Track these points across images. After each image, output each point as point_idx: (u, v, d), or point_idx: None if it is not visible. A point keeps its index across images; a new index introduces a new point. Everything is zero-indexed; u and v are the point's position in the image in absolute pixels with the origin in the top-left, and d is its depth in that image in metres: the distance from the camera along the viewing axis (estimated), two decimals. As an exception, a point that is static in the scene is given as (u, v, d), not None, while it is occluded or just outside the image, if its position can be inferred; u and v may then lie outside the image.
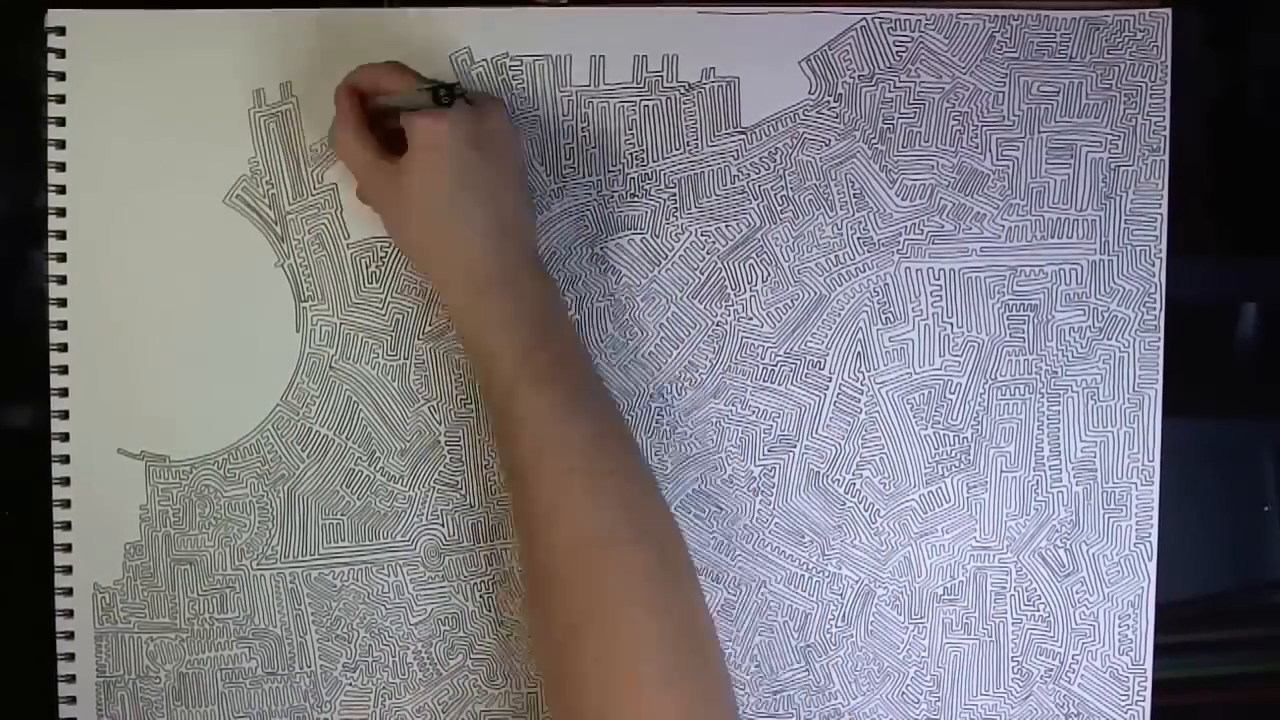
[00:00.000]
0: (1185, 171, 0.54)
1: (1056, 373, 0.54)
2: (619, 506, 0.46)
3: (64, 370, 0.54)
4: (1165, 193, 0.54)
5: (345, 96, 0.50)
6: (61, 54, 0.53)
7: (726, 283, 0.54)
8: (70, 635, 0.54)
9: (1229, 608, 0.57)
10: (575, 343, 0.50)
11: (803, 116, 0.54)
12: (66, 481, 0.54)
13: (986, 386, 0.54)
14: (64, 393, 0.54)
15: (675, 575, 0.46)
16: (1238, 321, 0.57)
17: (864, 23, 0.54)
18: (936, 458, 0.54)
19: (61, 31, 0.53)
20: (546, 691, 0.49)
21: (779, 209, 0.54)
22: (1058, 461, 0.54)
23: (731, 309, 0.54)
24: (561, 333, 0.49)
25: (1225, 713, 0.58)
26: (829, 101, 0.54)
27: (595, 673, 0.44)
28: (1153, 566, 0.54)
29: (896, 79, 0.54)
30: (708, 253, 0.54)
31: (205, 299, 0.54)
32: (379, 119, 0.50)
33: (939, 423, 0.54)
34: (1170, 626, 0.55)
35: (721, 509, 0.55)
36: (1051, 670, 0.55)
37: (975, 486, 0.55)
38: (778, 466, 0.54)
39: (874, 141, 0.54)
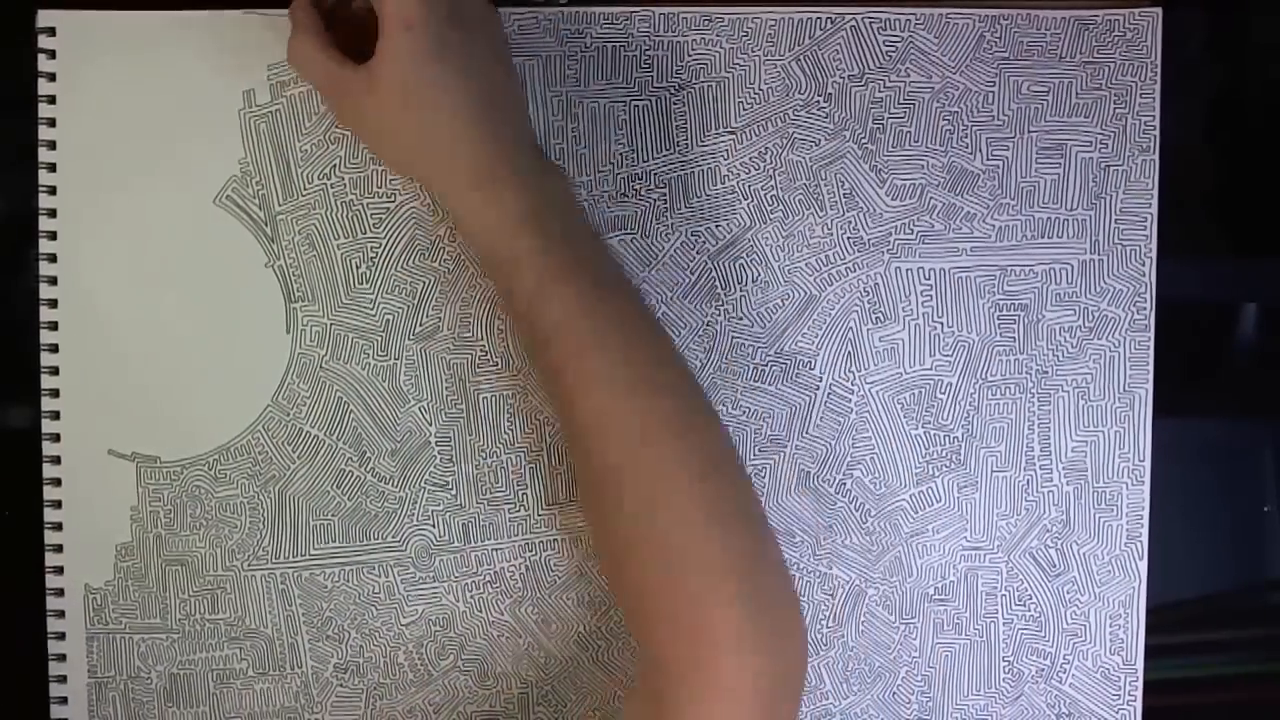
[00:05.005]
0: (1183, 171, 0.54)
1: (1047, 372, 0.54)
2: (668, 399, 0.45)
3: (54, 371, 0.54)
4: (1155, 192, 0.54)
5: (299, 7, 0.47)
6: (52, 54, 0.53)
7: (716, 283, 0.54)
8: (61, 636, 0.54)
9: (1230, 608, 0.57)
10: (595, 234, 0.48)
11: (792, 116, 0.54)
12: (57, 482, 0.54)
13: (977, 386, 0.54)
14: (55, 393, 0.54)
15: (717, 461, 0.46)
16: (1239, 321, 0.57)
17: (854, 22, 0.54)
18: (927, 458, 0.54)
19: (52, 32, 0.53)
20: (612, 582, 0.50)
21: (769, 209, 0.54)
22: (1048, 461, 0.54)
23: (722, 309, 0.54)
24: (582, 225, 0.47)
25: (1226, 713, 0.57)
26: (819, 101, 0.54)
27: (655, 573, 0.44)
28: (1143, 566, 0.54)
29: (886, 79, 0.54)
30: (698, 253, 0.54)
31: (195, 300, 0.54)
32: (340, 27, 0.47)
33: (929, 422, 0.54)
34: (1171, 627, 0.55)
35: (712, 509, 0.55)
36: (1043, 670, 0.55)
37: (966, 486, 0.55)
38: (768, 466, 0.54)
39: (864, 141, 0.54)
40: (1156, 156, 0.54)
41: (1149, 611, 0.55)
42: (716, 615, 0.43)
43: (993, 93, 0.54)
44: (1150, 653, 0.55)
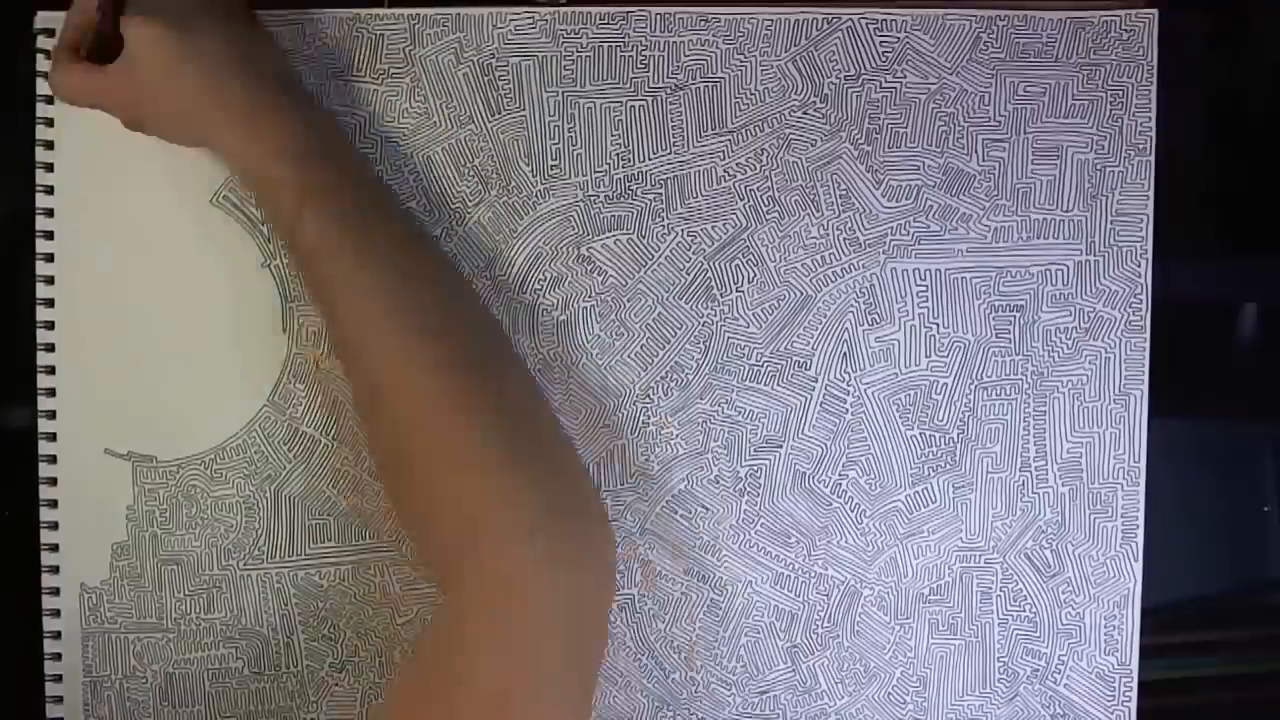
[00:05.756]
0: (1179, 172, 0.54)
1: (1042, 374, 0.54)
2: (425, 309, 0.48)
3: (51, 370, 0.54)
4: (1151, 193, 0.54)
5: (58, 50, 0.50)
6: (49, 55, 0.53)
7: (713, 283, 0.54)
8: (57, 635, 0.54)
9: (1229, 608, 0.57)
10: (362, 162, 0.52)
11: (789, 117, 0.54)
12: (54, 482, 0.54)
13: (972, 387, 0.54)
14: (51, 393, 0.54)
15: (482, 351, 0.49)
16: (1238, 321, 0.57)
17: (850, 23, 0.54)
18: (922, 458, 0.54)
19: (50, 33, 0.53)
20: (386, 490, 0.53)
21: (765, 209, 0.54)
22: (1044, 462, 0.54)
23: (718, 309, 0.54)
24: (343, 155, 0.51)
25: (1226, 713, 0.57)
26: (815, 102, 0.54)
27: (424, 473, 0.47)
28: (1139, 567, 0.54)
29: (883, 79, 0.54)
30: (694, 253, 0.54)
31: (192, 299, 0.54)
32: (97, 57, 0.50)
33: (925, 423, 0.54)
34: (1171, 627, 0.55)
35: (708, 509, 0.55)
36: (1038, 671, 0.55)
37: (961, 487, 0.55)
38: (764, 467, 0.54)
39: (860, 142, 0.54)
40: (1152, 157, 0.54)
41: (1148, 611, 0.55)
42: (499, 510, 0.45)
43: (989, 94, 0.54)
44: (1150, 653, 0.55)
